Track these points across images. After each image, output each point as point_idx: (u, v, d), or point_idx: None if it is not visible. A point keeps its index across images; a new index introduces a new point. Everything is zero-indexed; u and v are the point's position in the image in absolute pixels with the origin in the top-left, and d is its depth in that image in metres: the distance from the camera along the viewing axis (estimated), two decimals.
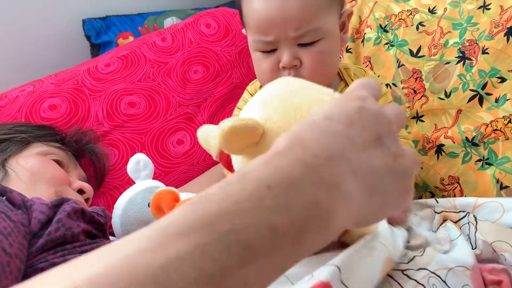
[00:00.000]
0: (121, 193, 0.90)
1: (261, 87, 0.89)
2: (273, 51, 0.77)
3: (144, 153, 1.08)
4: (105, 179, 1.06)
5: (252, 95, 0.88)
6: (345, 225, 0.34)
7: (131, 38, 1.42)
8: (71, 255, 0.60)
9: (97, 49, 1.43)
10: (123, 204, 0.79)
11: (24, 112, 1.05)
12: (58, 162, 0.88)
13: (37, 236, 0.62)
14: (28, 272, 0.58)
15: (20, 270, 0.55)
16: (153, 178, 1.03)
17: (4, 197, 0.65)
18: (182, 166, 1.13)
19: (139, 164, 0.85)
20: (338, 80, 0.87)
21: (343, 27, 0.82)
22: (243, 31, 0.87)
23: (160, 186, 0.83)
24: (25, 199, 0.66)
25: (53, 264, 0.58)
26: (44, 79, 1.13)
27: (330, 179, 0.32)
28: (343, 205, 0.32)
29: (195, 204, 0.29)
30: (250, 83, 0.94)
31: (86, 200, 0.87)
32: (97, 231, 0.70)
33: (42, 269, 0.57)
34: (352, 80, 0.86)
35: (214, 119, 1.21)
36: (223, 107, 1.23)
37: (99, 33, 1.41)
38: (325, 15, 0.76)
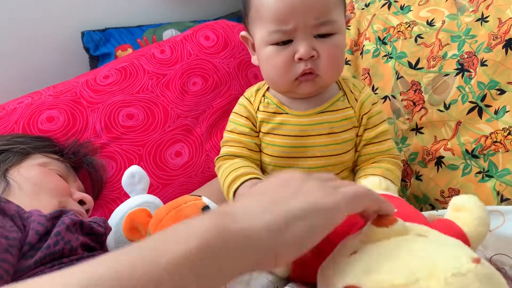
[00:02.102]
0: (118, 205, 0.89)
1: (257, 91, 0.89)
2: (287, 44, 0.76)
3: (142, 165, 1.07)
4: (102, 191, 1.05)
5: (249, 101, 0.88)
6: None
7: (130, 50, 1.42)
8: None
9: (96, 61, 1.43)
10: (116, 220, 0.78)
11: (22, 124, 1.04)
12: (58, 173, 0.88)
13: (34, 248, 0.61)
14: None
15: (7, 281, 0.54)
16: (151, 191, 1.03)
17: None
18: (181, 178, 1.12)
19: (134, 178, 0.84)
20: (337, 88, 0.87)
21: None
22: (244, 33, 0.85)
23: (154, 201, 0.82)
24: (22, 210, 0.66)
25: None
26: (42, 91, 1.13)
27: None
28: None
29: None
30: (247, 90, 0.93)
31: (87, 211, 0.87)
32: (94, 243, 0.69)
33: None
34: (351, 91, 0.86)
35: (213, 131, 1.21)
36: (221, 119, 1.23)
37: (98, 45, 1.42)
38: (339, 11, 0.79)
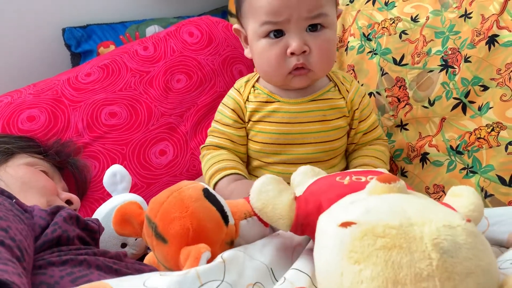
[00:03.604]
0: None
1: (247, 82, 0.89)
2: (280, 37, 0.77)
3: (125, 164, 1.06)
4: (87, 192, 1.03)
5: (239, 92, 0.88)
6: None
7: (112, 47, 1.40)
8: (67, 256, 0.61)
9: (77, 58, 1.41)
10: (99, 219, 0.77)
11: (1, 123, 1.02)
12: (45, 173, 0.88)
13: (36, 239, 0.63)
14: None
15: (29, 271, 0.57)
16: (135, 190, 1.02)
17: (14, 200, 0.66)
18: (165, 177, 1.11)
19: (115, 177, 0.83)
20: (327, 80, 0.89)
21: None
22: (236, 26, 0.86)
23: (137, 200, 0.81)
24: (25, 205, 0.67)
25: (50, 263, 0.59)
26: (23, 90, 1.11)
27: None
28: None
29: None
30: (237, 81, 0.93)
31: (74, 211, 0.86)
32: (90, 239, 0.70)
33: (40, 267, 0.59)
34: (342, 83, 0.88)
35: (198, 129, 1.19)
36: (206, 117, 1.21)
37: (80, 42, 1.39)
38: (331, 7, 0.80)
